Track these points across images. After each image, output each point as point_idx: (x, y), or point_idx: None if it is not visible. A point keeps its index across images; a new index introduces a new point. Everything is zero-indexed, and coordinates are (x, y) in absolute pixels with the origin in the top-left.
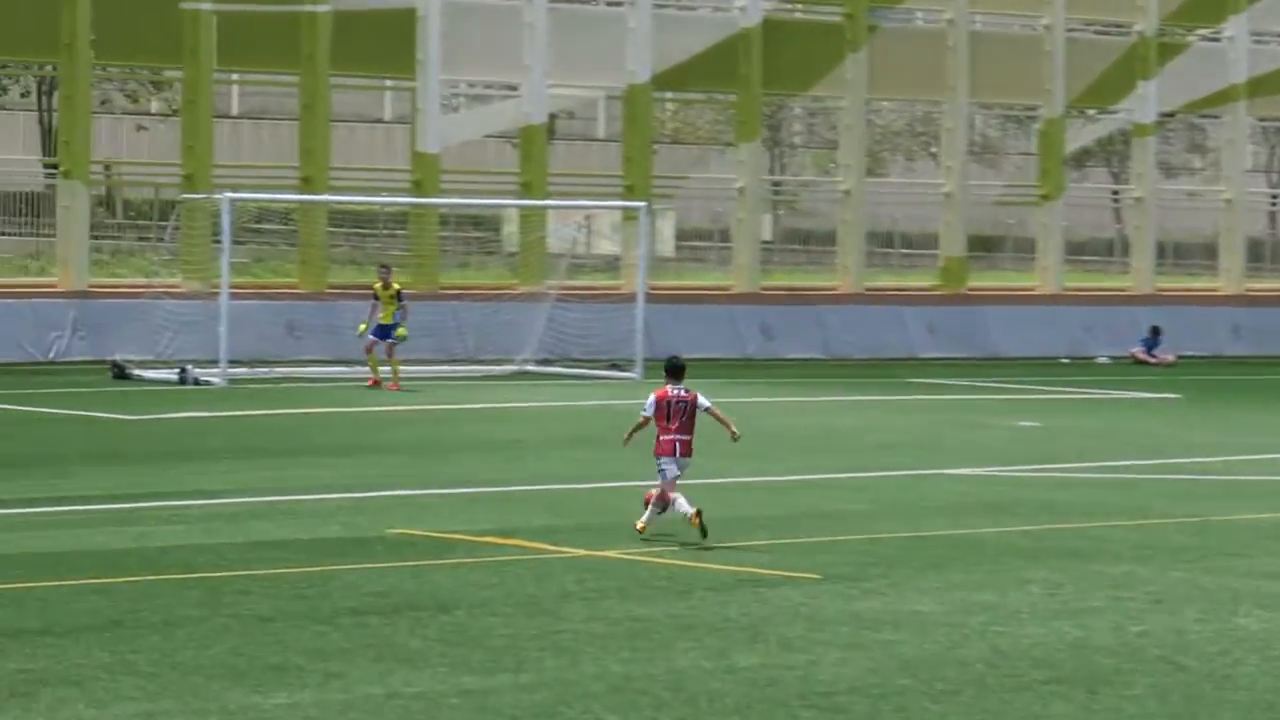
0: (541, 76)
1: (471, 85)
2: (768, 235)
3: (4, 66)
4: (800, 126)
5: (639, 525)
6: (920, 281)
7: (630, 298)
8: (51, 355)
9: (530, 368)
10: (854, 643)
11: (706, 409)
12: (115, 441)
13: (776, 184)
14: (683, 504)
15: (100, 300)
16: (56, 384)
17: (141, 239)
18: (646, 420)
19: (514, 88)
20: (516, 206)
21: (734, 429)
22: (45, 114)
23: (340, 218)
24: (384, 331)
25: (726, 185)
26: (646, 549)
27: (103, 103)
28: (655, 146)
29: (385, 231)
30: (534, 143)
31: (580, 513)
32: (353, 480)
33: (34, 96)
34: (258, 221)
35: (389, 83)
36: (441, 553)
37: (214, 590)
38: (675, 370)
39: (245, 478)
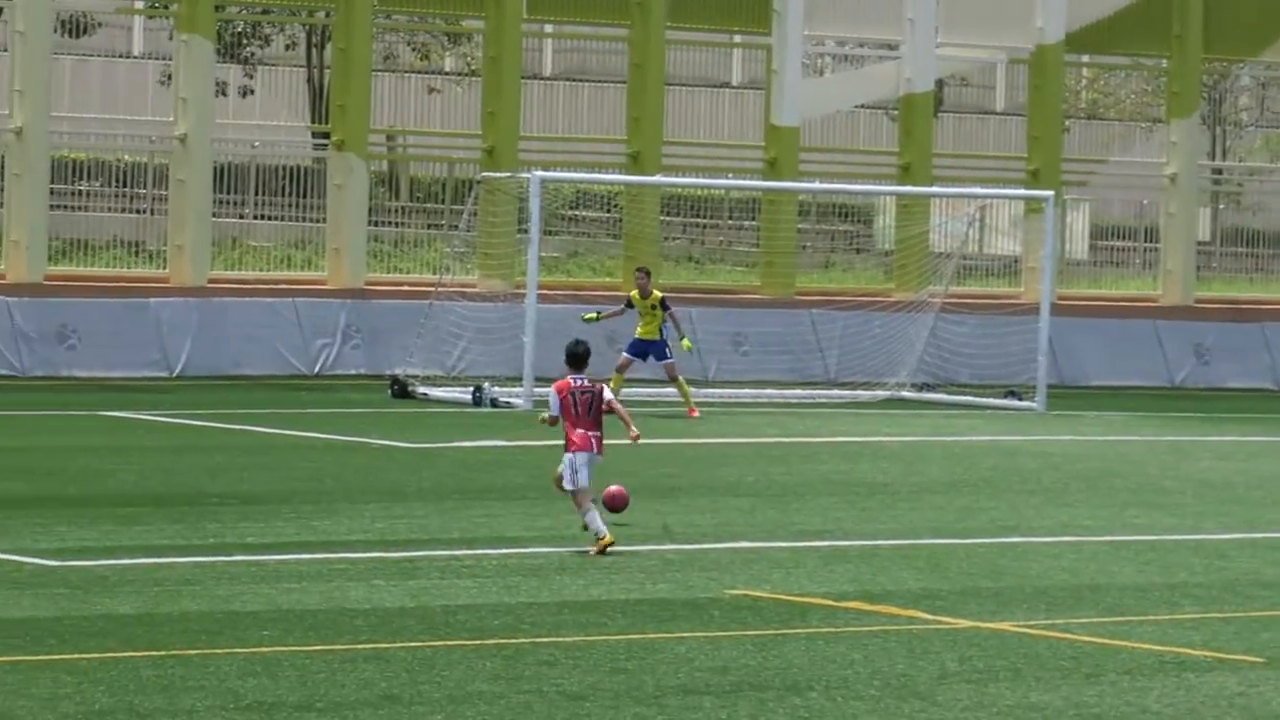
0: (928, 33)
1: (840, 43)
2: (1205, 235)
3: (267, 12)
4: (1249, 100)
5: (603, 541)
6: None
7: (1033, 309)
8: (318, 368)
9: (906, 394)
10: None
11: (608, 403)
12: (393, 475)
13: (1217, 171)
14: (596, 522)
15: (379, 301)
16: (323, 403)
17: (431, 226)
18: (554, 420)
19: (893, 47)
20: (893, 194)
21: (634, 430)
22: (315, 72)
23: (675, 204)
24: (645, 349)
25: (1154, 172)
26: (1047, 620)
27: (386, 59)
28: (1067, 123)
29: (730, 222)
30: (916, 116)
31: (965, 574)
32: (684, 529)
33: (302, 50)
34: (573, 207)
35: (738, 38)
36: (792, 620)
37: (512, 660)
38: (576, 358)
39: (552, 523)
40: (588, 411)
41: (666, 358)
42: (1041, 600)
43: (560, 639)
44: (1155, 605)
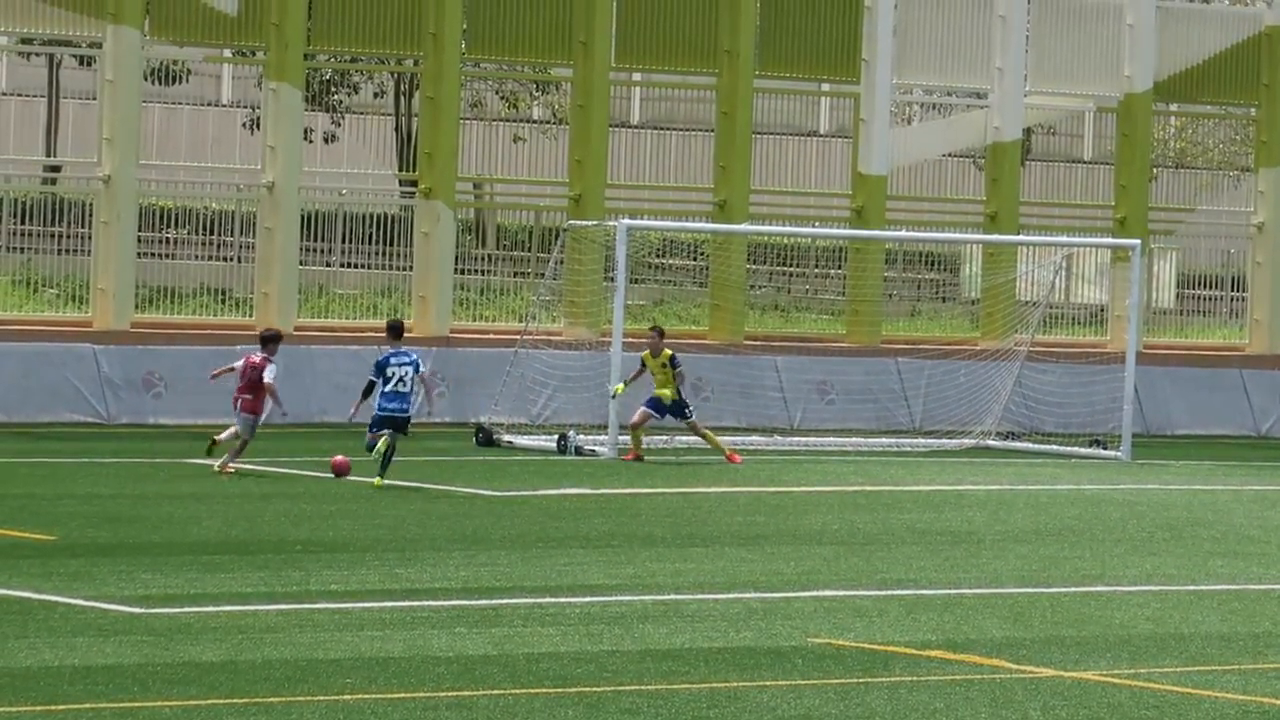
0: (1016, 82)
1: (929, 92)
2: None
3: (355, 60)
4: None
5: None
6: None
7: (1119, 358)
8: None
9: (991, 442)
10: None
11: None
12: (476, 522)
13: None
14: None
15: (464, 349)
16: (407, 450)
17: (517, 274)
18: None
19: (981, 95)
20: (980, 242)
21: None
22: (403, 119)
23: (762, 252)
24: (661, 407)
25: (1242, 220)
26: (1130, 670)
27: (474, 106)
28: (1155, 171)
29: (817, 270)
30: (1004, 164)
31: (1049, 623)
32: (767, 577)
33: (390, 97)
34: (660, 255)
35: (826, 87)
36: (875, 669)
37: (595, 708)
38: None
39: (636, 571)
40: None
41: (687, 417)
42: (1125, 649)
43: (643, 687)
44: (1239, 655)
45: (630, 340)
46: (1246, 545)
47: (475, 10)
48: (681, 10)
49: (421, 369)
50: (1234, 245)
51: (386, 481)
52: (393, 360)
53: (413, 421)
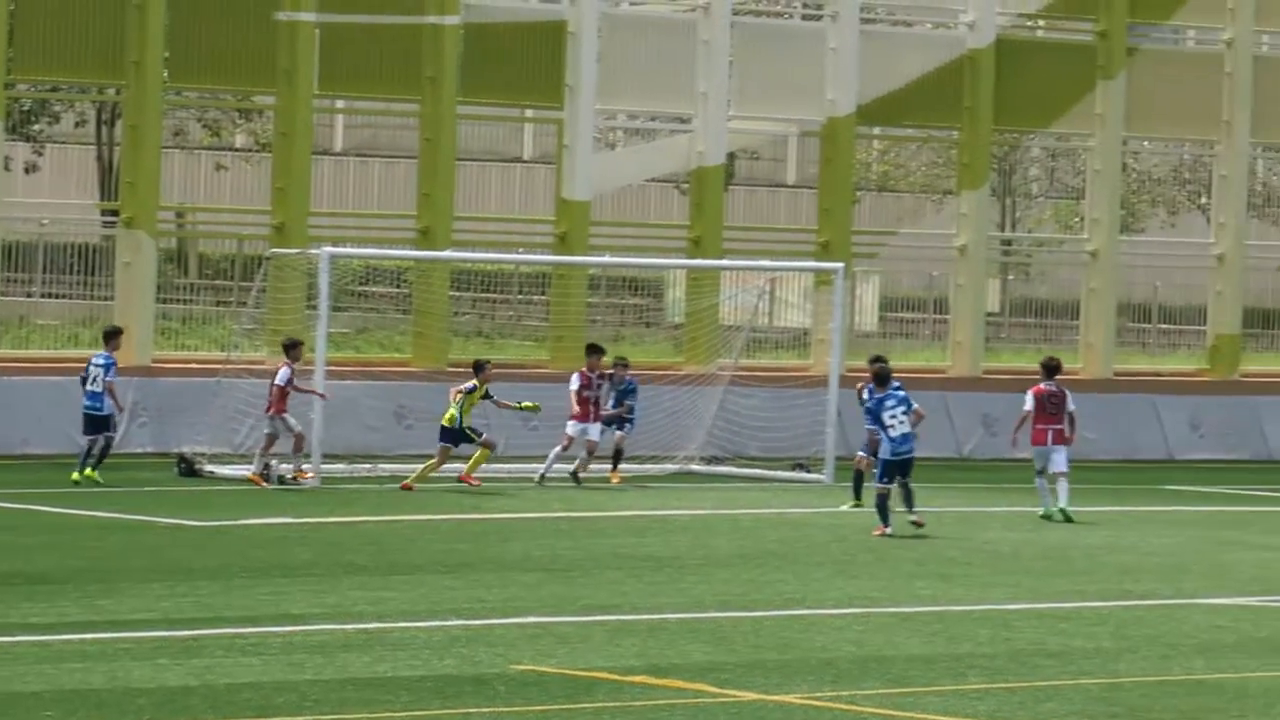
0: (720, 107)
1: (632, 117)
2: (994, 306)
3: (56, 90)
4: (1038, 171)
5: None
6: (1182, 365)
7: (822, 381)
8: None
9: (695, 466)
10: None
11: None
12: (178, 553)
13: (1007, 242)
14: None
15: (166, 378)
16: (109, 481)
17: (220, 303)
18: None
19: (685, 120)
20: (684, 267)
21: None
22: (105, 148)
23: (465, 279)
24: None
25: (944, 243)
26: (833, 692)
27: (176, 135)
28: (858, 194)
29: (521, 297)
30: (708, 188)
31: (752, 647)
32: (470, 604)
33: (92, 126)
34: (363, 283)
35: (530, 113)
36: (578, 695)
37: None
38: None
39: (338, 599)
40: None
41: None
42: (828, 672)
43: (345, 716)
44: (941, 676)
45: (333, 369)
46: (949, 567)
47: (177, 38)
48: (384, 38)
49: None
50: (936, 268)
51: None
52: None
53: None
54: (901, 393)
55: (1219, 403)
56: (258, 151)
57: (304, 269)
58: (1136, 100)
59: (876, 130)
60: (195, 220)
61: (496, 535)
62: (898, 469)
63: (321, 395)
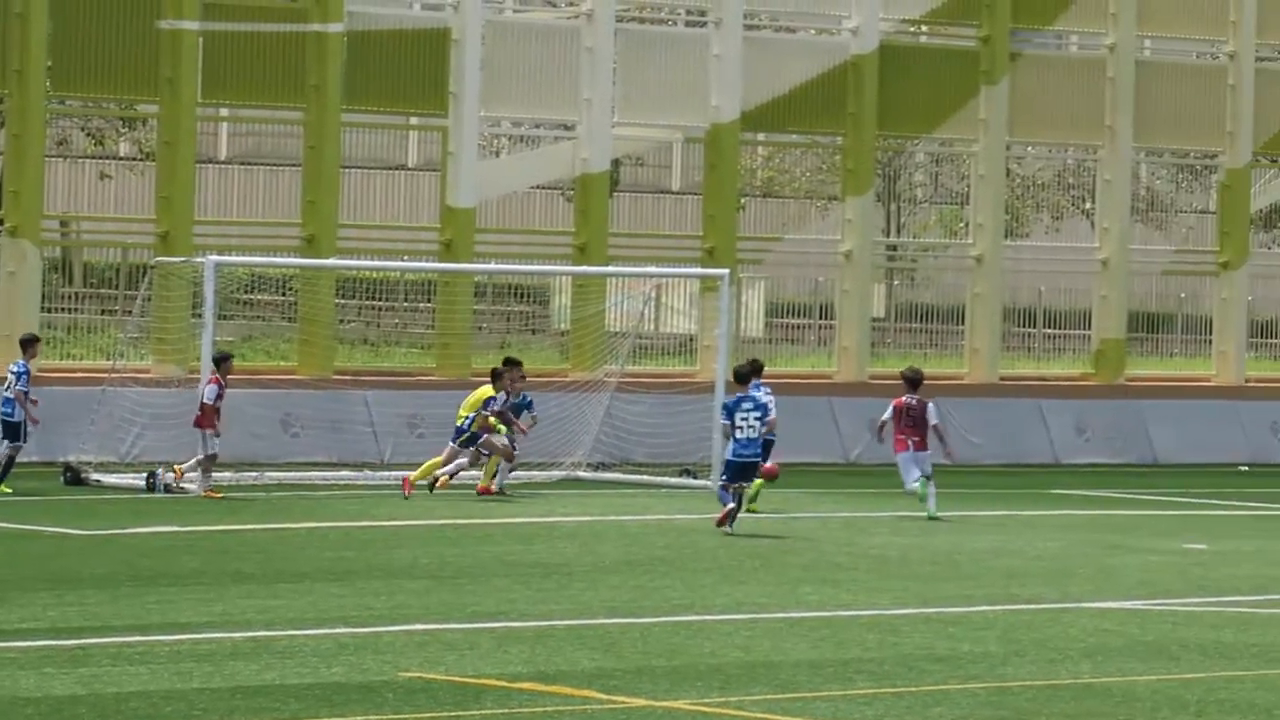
0: (604, 113)
1: (516, 124)
2: (880, 311)
3: None
4: (923, 177)
5: None
6: (1067, 369)
7: (708, 388)
8: None
9: (582, 473)
10: None
11: None
12: (64, 562)
13: (892, 248)
14: None
15: (51, 387)
16: None
17: (105, 312)
18: None
19: (569, 127)
20: (569, 274)
21: None
22: None
23: (351, 287)
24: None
25: (830, 249)
26: (721, 698)
27: (60, 144)
28: (743, 200)
29: (406, 304)
30: (593, 195)
31: (640, 653)
32: (357, 612)
33: None
34: (249, 291)
35: (414, 120)
36: (467, 702)
37: None
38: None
39: (225, 608)
40: None
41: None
42: (715, 678)
43: None
44: (829, 681)
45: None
46: (835, 572)
47: (59, 47)
48: (267, 46)
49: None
50: (822, 273)
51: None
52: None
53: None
54: (763, 398)
55: (1105, 407)
56: (142, 160)
57: (189, 277)
58: (1020, 105)
59: (761, 136)
60: (80, 229)
61: (384, 543)
62: (739, 471)
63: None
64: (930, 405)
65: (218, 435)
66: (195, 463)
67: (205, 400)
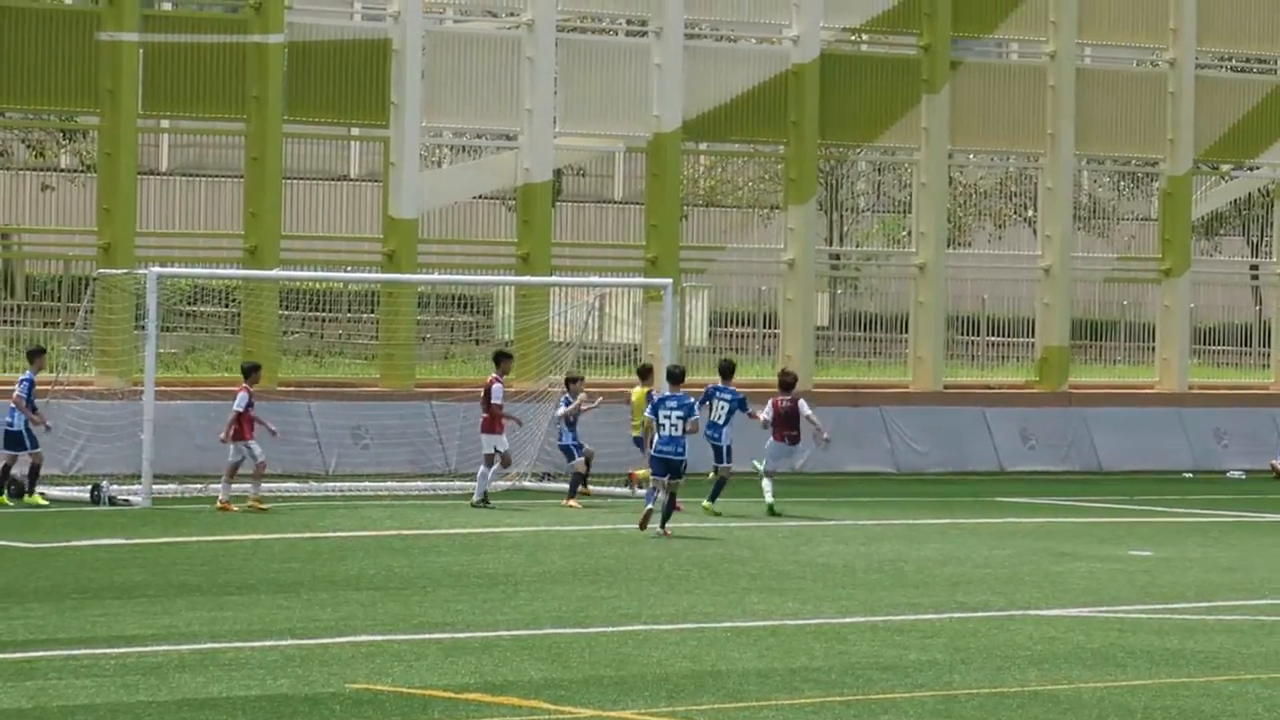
0: (546, 123)
1: (458, 134)
2: (824, 320)
3: None
4: (865, 185)
5: None
6: (1011, 377)
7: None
8: None
9: (527, 484)
10: None
11: None
12: (9, 575)
13: (835, 256)
14: None
15: None
16: None
17: (47, 324)
18: None
19: (511, 137)
20: (512, 284)
21: None
22: None
23: (294, 298)
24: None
25: (773, 258)
26: (669, 708)
27: (0, 155)
28: (685, 210)
29: (350, 315)
30: (535, 205)
31: (587, 663)
32: (304, 623)
33: None
34: (192, 303)
35: (356, 131)
36: (413, 713)
37: None
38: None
39: (171, 620)
40: None
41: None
42: (663, 687)
43: None
44: (776, 690)
45: (162, 389)
46: (782, 581)
47: (0, 60)
48: (207, 57)
49: None
50: (765, 282)
51: None
52: None
53: None
54: (689, 400)
55: (1049, 414)
56: (83, 172)
57: (132, 289)
58: (961, 113)
59: (703, 145)
60: (21, 241)
61: (330, 554)
62: (663, 467)
63: (273, 431)
64: (802, 401)
65: (254, 440)
66: (229, 475)
67: (237, 408)
